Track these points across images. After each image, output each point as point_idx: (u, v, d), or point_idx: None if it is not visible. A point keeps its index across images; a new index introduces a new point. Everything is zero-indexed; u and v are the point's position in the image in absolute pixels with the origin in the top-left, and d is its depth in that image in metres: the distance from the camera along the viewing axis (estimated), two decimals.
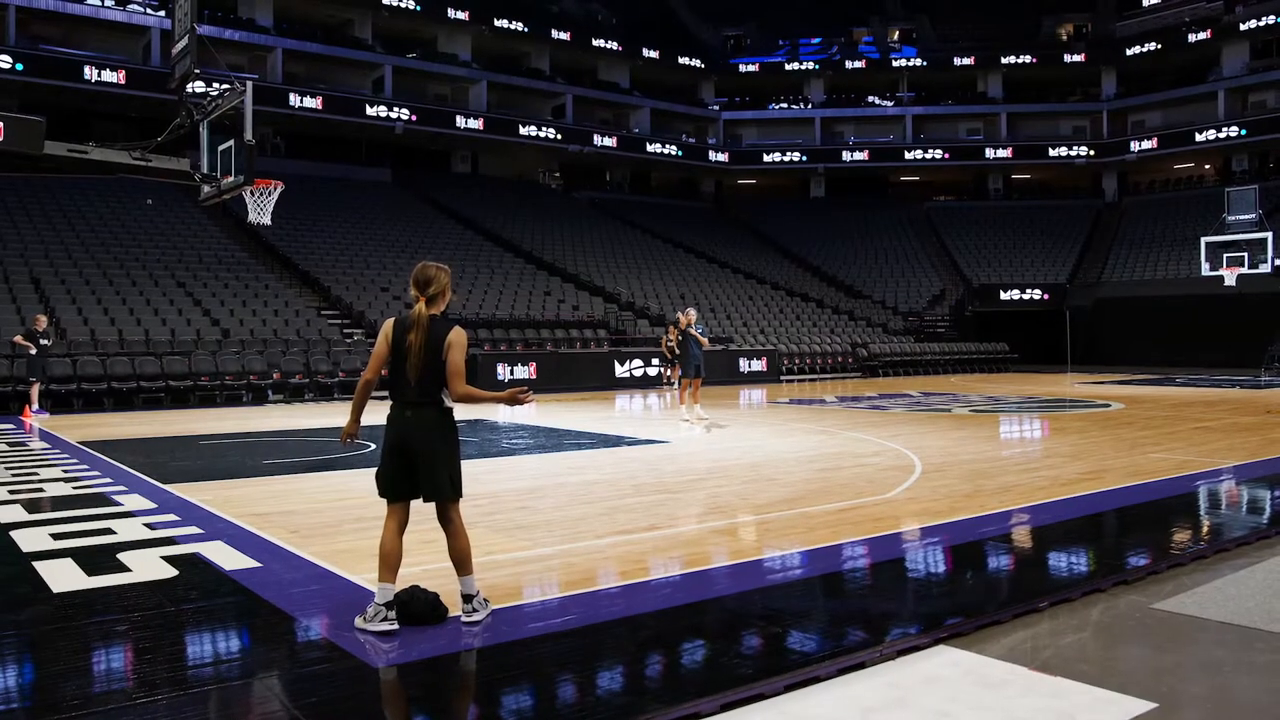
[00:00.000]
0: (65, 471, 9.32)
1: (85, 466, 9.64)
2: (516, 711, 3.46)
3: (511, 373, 22.18)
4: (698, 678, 3.71)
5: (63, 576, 5.14)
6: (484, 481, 8.59)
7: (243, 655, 4.10)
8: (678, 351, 14.65)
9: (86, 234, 25.96)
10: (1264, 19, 40.86)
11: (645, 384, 24.32)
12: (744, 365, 26.69)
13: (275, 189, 11.22)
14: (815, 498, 7.46)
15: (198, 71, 9.97)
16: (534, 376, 22.41)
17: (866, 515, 6.75)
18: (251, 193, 10.83)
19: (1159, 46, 44.29)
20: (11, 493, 8.00)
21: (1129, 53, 45.20)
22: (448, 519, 4.33)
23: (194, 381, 18.87)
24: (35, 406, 16.17)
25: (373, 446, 11.18)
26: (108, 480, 8.68)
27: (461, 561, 4.31)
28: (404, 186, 38.44)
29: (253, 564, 5.45)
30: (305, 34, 36.54)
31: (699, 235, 41.55)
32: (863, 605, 4.74)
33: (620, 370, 24.31)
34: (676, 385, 15.36)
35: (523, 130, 39.84)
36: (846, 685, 3.67)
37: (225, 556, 5.61)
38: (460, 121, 38.24)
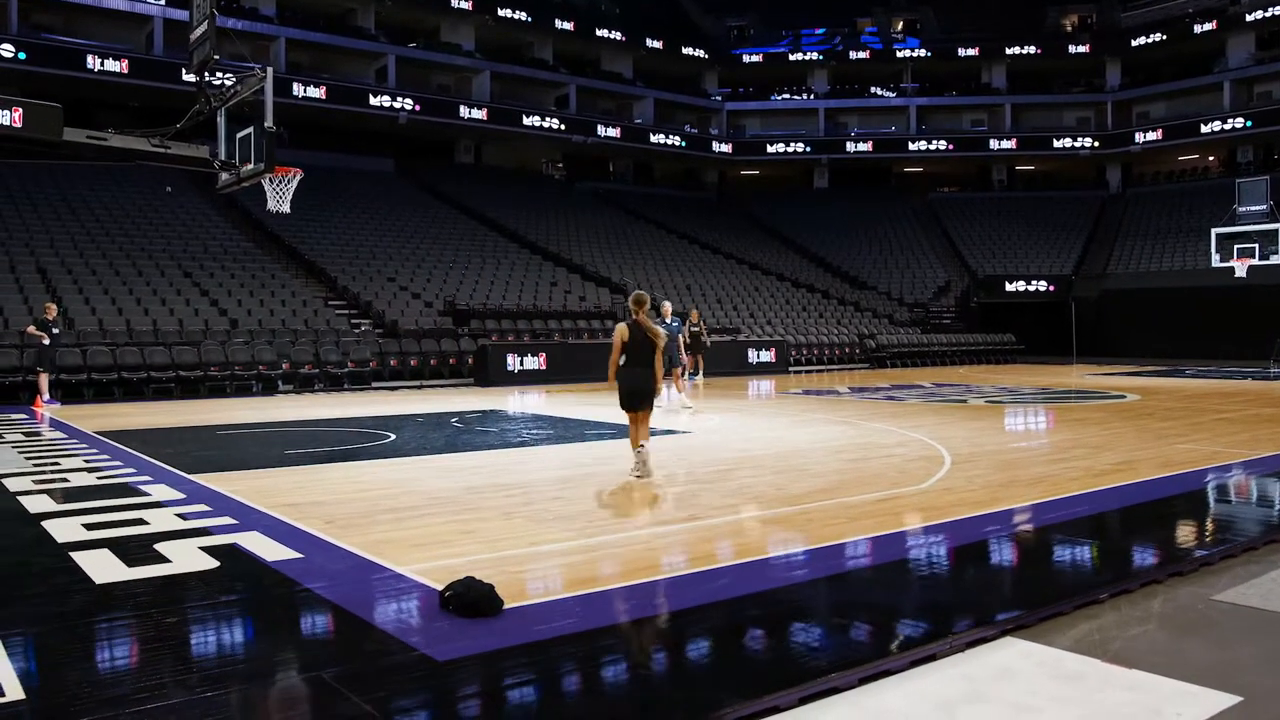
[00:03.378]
0: (86, 461, 9.25)
1: (106, 456, 9.56)
2: (587, 706, 3.40)
3: (521, 363, 22.08)
4: (772, 671, 3.64)
5: (103, 567, 5.06)
6: (513, 471, 8.52)
7: (302, 648, 4.03)
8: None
9: (91, 224, 25.82)
10: (1270, 10, 40.65)
11: None
12: (752, 356, 26.60)
13: (294, 176, 11.11)
14: (850, 488, 7.40)
15: (217, 58, 9.86)
16: (544, 367, 22.31)
17: (907, 505, 6.68)
18: (271, 180, 10.73)
19: (1164, 37, 44.09)
20: (36, 483, 7.92)
21: (1134, 44, 45.00)
22: (647, 420, 8.09)
23: (204, 371, 18.77)
24: (46, 397, 16.08)
25: (392, 436, 11.16)
26: (131, 470, 8.60)
27: (643, 438, 7.97)
28: (407, 177, 38.27)
29: (294, 555, 5.37)
30: (308, 23, 36.32)
31: (702, 226, 41.43)
32: (924, 596, 4.68)
33: None
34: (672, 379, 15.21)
35: (526, 121, 39.66)
36: (919, 678, 3.61)
37: (264, 547, 5.53)
38: (464, 112, 38.08)
